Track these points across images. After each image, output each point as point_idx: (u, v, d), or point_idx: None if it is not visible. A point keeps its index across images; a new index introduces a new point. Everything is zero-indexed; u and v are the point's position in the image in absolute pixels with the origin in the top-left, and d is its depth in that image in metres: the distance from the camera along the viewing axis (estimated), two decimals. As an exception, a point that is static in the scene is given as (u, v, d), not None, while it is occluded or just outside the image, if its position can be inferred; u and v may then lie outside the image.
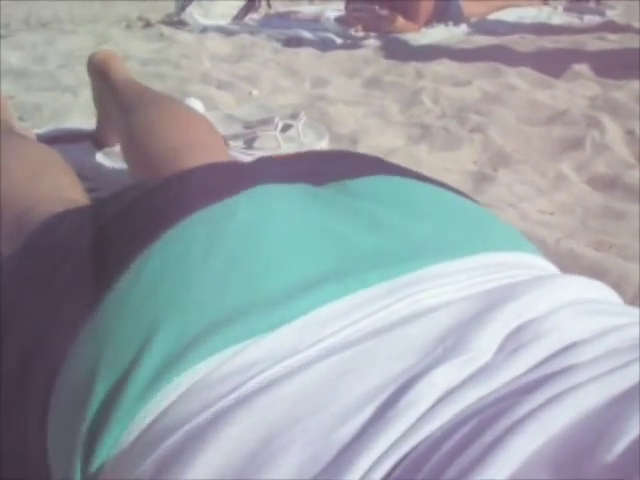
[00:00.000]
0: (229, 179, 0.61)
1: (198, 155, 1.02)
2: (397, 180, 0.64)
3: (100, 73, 1.48)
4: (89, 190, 1.33)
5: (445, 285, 0.48)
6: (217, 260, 0.49)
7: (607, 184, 1.47)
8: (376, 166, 0.68)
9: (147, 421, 0.41)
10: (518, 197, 1.41)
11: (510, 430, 0.33)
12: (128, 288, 0.49)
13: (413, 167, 1.53)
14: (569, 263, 1.09)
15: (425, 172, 1.49)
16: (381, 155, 1.64)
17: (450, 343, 0.41)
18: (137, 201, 0.61)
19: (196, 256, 0.50)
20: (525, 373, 0.39)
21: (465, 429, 0.34)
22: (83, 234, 0.60)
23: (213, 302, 0.46)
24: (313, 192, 0.59)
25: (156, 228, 0.53)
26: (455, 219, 0.59)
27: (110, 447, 0.42)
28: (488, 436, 0.33)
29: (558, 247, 1.15)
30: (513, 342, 0.42)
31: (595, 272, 1.06)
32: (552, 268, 0.60)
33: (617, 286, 1.01)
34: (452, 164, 1.63)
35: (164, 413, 0.41)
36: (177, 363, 0.42)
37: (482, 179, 1.52)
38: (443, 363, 0.39)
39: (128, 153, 1.20)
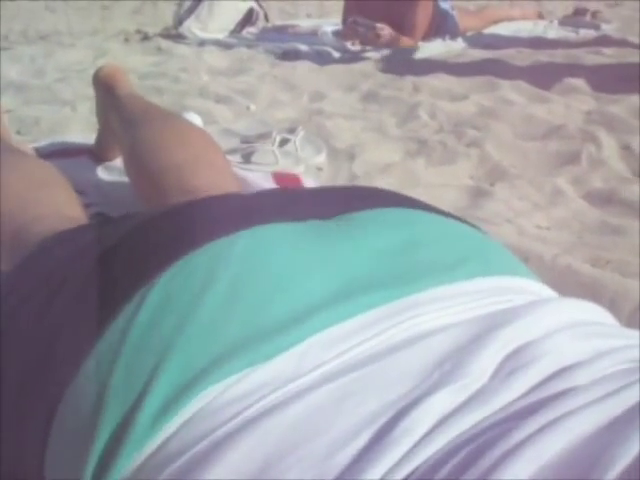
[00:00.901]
0: (235, 215, 0.62)
1: (202, 172, 1.03)
2: (395, 211, 0.65)
3: (106, 87, 1.49)
4: (86, 205, 1.33)
5: (442, 309, 0.48)
6: (218, 292, 0.49)
7: (604, 199, 1.47)
8: (378, 199, 0.69)
9: (151, 450, 0.42)
10: (515, 212, 1.42)
11: (506, 455, 0.33)
12: (132, 318, 0.49)
13: (410, 181, 1.57)
14: (566, 279, 1.09)
15: (422, 187, 1.53)
16: (378, 169, 1.66)
17: (447, 368, 0.42)
18: (142, 228, 0.61)
19: (199, 288, 0.50)
20: (520, 397, 0.39)
21: (461, 455, 0.35)
22: (85, 257, 0.60)
23: (216, 334, 0.46)
24: (315, 225, 0.60)
25: (161, 259, 0.53)
26: (453, 244, 0.60)
27: (119, 475, 0.42)
28: (484, 463, 0.33)
29: (555, 263, 1.15)
30: (509, 366, 0.42)
31: (592, 288, 1.06)
32: (548, 292, 0.60)
33: (614, 302, 1.01)
34: (449, 179, 1.64)
35: (167, 442, 0.42)
36: (183, 396, 0.43)
37: (479, 194, 1.53)
38: (440, 389, 0.40)
39: (131, 168, 1.20)
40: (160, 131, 1.17)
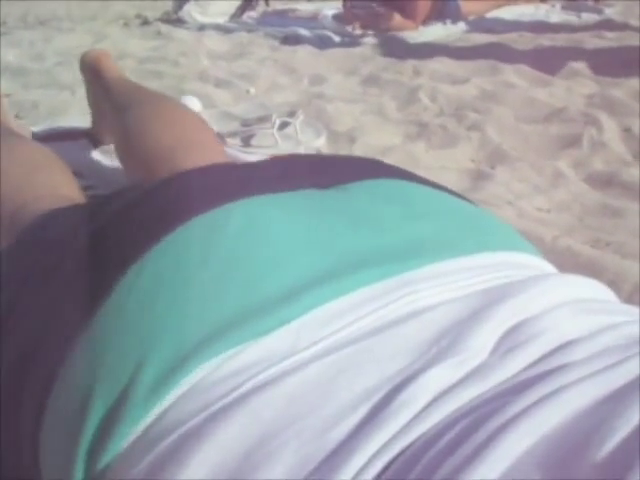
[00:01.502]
0: (227, 184, 0.61)
1: (194, 154, 1.02)
2: (396, 182, 0.64)
3: (93, 72, 1.48)
4: (85, 188, 1.33)
5: (441, 285, 0.48)
6: (214, 266, 0.49)
7: (604, 182, 1.47)
8: (375, 169, 0.68)
9: (145, 425, 0.41)
10: (516, 195, 1.42)
11: (501, 429, 0.33)
12: (125, 295, 0.48)
13: (411, 165, 1.56)
14: (566, 261, 1.09)
15: (422, 170, 1.52)
16: (378, 153, 1.65)
17: (445, 343, 0.41)
18: (133, 204, 0.61)
19: (192, 263, 0.50)
20: (519, 372, 0.39)
21: (457, 428, 0.34)
22: (79, 234, 0.60)
23: (211, 309, 0.46)
24: (310, 196, 0.59)
25: (152, 234, 0.52)
26: (452, 219, 0.59)
27: (114, 452, 0.42)
28: (479, 435, 0.33)
29: (555, 245, 1.15)
30: (508, 342, 0.42)
31: (592, 270, 1.06)
32: (549, 267, 0.60)
33: (613, 283, 1.01)
34: (450, 162, 1.63)
35: (162, 415, 0.41)
36: (177, 371, 0.43)
37: (480, 177, 1.52)
38: (437, 363, 0.39)
39: (122, 152, 1.19)
40: (149, 114, 1.17)
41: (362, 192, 0.60)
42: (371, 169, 0.68)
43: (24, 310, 0.56)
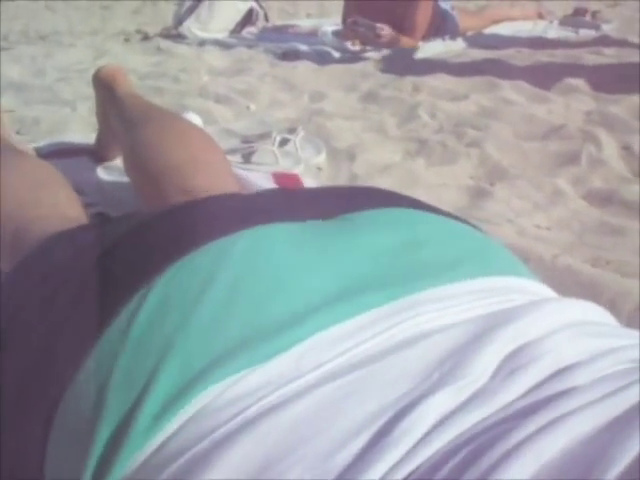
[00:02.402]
0: (234, 214, 0.62)
1: (201, 171, 1.03)
2: (398, 211, 0.65)
3: (106, 87, 1.49)
4: (86, 205, 1.33)
5: (442, 309, 0.48)
6: (218, 292, 0.49)
7: (604, 199, 1.47)
8: (378, 199, 0.69)
9: (151, 450, 0.42)
10: (515, 212, 1.42)
11: (505, 457, 0.33)
12: (131, 318, 0.49)
13: (410, 182, 1.57)
14: (566, 279, 1.09)
15: (422, 187, 1.53)
16: (378, 170, 1.66)
17: (447, 368, 0.42)
18: (143, 229, 0.61)
19: (198, 289, 0.50)
20: (520, 397, 0.39)
21: (460, 456, 0.34)
22: (84, 257, 0.60)
23: (216, 333, 0.46)
24: (315, 225, 0.60)
25: (160, 260, 0.53)
26: (454, 244, 0.60)
27: (118, 476, 0.42)
28: (483, 463, 0.33)
29: (555, 263, 1.15)
30: (509, 366, 0.42)
31: (592, 289, 1.06)
32: (548, 292, 0.60)
33: (614, 303, 1.01)
34: (449, 179, 1.64)
35: (167, 442, 0.41)
36: (183, 396, 0.43)
37: (479, 194, 1.52)
38: (439, 389, 0.40)
39: (131, 168, 1.20)
40: (160, 131, 1.17)
41: (365, 221, 0.61)
42: (372, 199, 0.68)
43: (31, 330, 0.56)
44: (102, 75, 1.53)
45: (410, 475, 0.35)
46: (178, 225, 0.60)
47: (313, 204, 0.67)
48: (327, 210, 0.62)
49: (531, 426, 0.35)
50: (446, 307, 0.49)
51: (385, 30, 3.21)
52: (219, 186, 0.94)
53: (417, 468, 0.35)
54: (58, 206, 0.94)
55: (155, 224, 0.62)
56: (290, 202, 0.68)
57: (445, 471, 0.34)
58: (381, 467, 0.35)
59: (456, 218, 0.67)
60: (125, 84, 1.49)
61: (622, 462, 0.30)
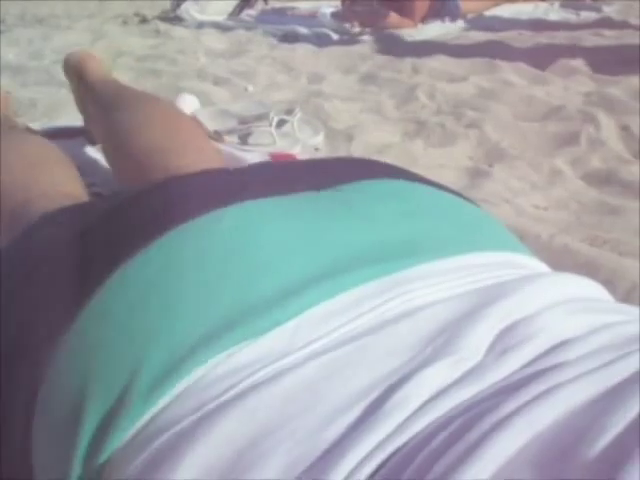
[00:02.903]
0: (220, 189, 0.61)
1: (186, 155, 1.01)
2: (391, 182, 0.64)
3: (76, 74, 1.47)
4: (88, 185, 1.33)
5: (436, 284, 0.48)
6: (208, 267, 0.49)
7: (602, 180, 1.47)
8: (371, 170, 0.68)
9: (140, 425, 0.41)
10: (513, 192, 1.41)
11: (495, 428, 0.33)
12: (115, 295, 0.48)
13: (408, 163, 1.56)
14: (563, 258, 1.09)
15: (420, 168, 1.52)
16: (376, 151, 1.65)
17: (440, 343, 0.41)
18: (125, 205, 0.60)
19: (186, 265, 0.49)
20: (514, 372, 0.39)
21: (451, 428, 0.34)
22: (67, 234, 0.60)
23: (206, 310, 0.46)
24: (305, 198, 0.59)
25: (143, 236, 0.52)
26: (448, 218, 0.59)
27: (110, 451, 0.42)
28: (473, 434, 0.33)
29: (552, 242, 1.15)
30: (503, 342, 0.41)
31: (589, 267, 1.06)
32: (543, 267, 0.60)
33: (611, 281, 1.01)
34: (448, 160, 1.63)
35: (157, 415, 0.41)
36: (174, 372, 0.43)
37: (477, 175, 1.52)
38: (433, 363, 0.39)
39: (110, 154, 1.18)
40: (138, 115, 1.15)
41: (357, 192, 0.60)
42: (366, 170, 0.68)
43: (9, 307, 0.56)
44: (71, 62, 1.50)
45: (402, 447, 0.34)
46: (162, 201, 0.59)
47: (304, 175, 0.67)
48: (319, 181, 0.62)
49: (522, 398, 0.35)
50: (439, 282, 0.48)
51: (383, 10, 3.19)
52: (203, 166, 0.92)
53: (409, 441, 0.35)
54: (60, 185, 0.93)
55: (138, 200, 0.61)
56: (280, 175, 0.67)
57: (435, 443, 0.34)
58: (373, 439, 0.35)
59: (453, 193, 0.67)
60: (97, 69, 1.46)
61: (614, 430, 0.30)
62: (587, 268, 1.05)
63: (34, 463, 0.47)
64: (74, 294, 0.51)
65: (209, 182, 0.64)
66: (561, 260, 1.08)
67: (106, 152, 1.21)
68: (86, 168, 1.46)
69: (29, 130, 1.67)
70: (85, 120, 1.61)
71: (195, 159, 0.99)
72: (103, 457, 0.42)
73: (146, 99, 1.30)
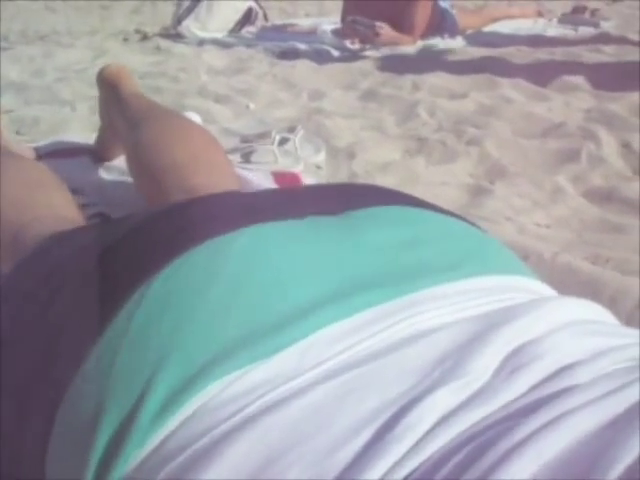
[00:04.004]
0: (235, 212, 0.62)
1: (202, 170, 1.03)
2: (395, 208, 0.64)
3: (110, 86, 1.49)
4: (86, 205, 1.34)
5: (443, 307, 0.48)
6: (219, 288, 0.49)
7: (603, 197, 1.47)
8: (379, 197, 0.69)
9: (151, 447, 0.42)
10: (515, 210, 1.42)
11: (507, 455, 0.33)
12: (133, 315, 0.49)
13: (410, 180, 1.57)
14: (566, 277, 1.09)
15: (422, 185, 1.53)
16: (378, 168, 1.66)
17: (448, 366, 0.41)
18: (143, 227, 0.61)
19: (199, 286, 0.50)
20: (522, 395, 0.39)
21: (462, 454, 0.34)
22: (85, 256, 0.60)
23: (217, 330, 0.46)
24: (315, 222, 0.60)
25: (160, 257, 0.53)
26: (452, 243, 0.60)
27: (121, 472, 0.42)
28: (485, 461, 0.33)
29: (555, 261, 1.15)
30: (510, 364, 0.42)
31: (592, 287, 1.06)
32: (548, 290, 0.60)
33: (614, 300, 1.01)
34: (449, 177, 1.63)
35: (168, 438, 0.41)
36: (185, 392, 0.43)
37: (479, 192, 1.52)
38: (441, 386, 0.39)
39: (134, 168, 1.20)
40: (162, 130, 1.17)
41: (366, 218, 0.61)
42: (373, 196, 0.68)
43: (31, 331, 0.56)
44: (106, 74, 1.53)
45: (412, 473, 0.34)
46: (177, 223, 0.60)
47: (312, 201, 0.67)
48: (326, 207, 0.62)
49: (533, 424, 0.35)
50: (445, 306, 0.48)
51: (384, 28, 3.21)
52: (219, 185, 0.94)
53: (419, 466, 0.35)
54: (55, 208, 0.94)
55: (154, 223, 0.62)
56: (289, 200, 0.68)
57: (447, 469, 0.34)
58: (383, 464, 0.35)
59: (456, 216, 0.67)
60: (129, 83, 1.49)
61: (624, 461, 0.30)
62: (590, 287, 1.05)
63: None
64: (96, 315, 0.51)
65: (223, 205, 0.65)
66: (564, 279, 1.08)
67: (129, 165, 1.23)
68: (88, 187, 1.47)
69: (32, 149, 1.67)
70: (102, 133, 1.62)
71: (212, 177, 1.01)
72: (114, 477, 0.42)
73: (172, 116, 1.32)
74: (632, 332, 0.49)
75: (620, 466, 0.30)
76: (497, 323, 0.45)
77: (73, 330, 0.53)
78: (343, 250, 0.55)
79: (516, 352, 0.43)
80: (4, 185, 0.95)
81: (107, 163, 1.60)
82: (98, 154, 1.64)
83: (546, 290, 0.60)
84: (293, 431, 0.38)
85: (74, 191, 1.13)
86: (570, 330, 0.45)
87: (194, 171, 1.02)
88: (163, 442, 0.41)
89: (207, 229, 0.56)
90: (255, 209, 0.63)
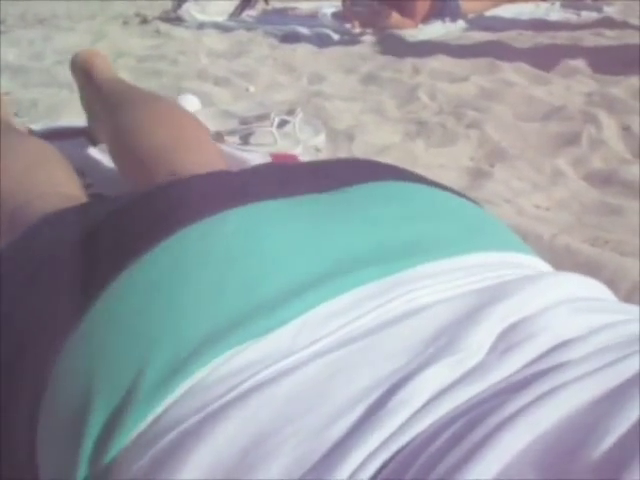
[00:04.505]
0: (224, 191, 0.61)
1: (187, 152, 1.02)
2: (394, 184, 0.64)
3: (84, 72, 1.47)
4: (87, 185, 1.33)
5: (437, 284, 0.48)
6: (211, 268, 0.49)
7: (603, 180, 1.47)
8: (374, 171, 0.68)
9: (144, 426, 0.42)
10: (514, 193, 1.41)
11: (498, 428, 0.33)
12: (121, 296, 0.48)
13: (410, 163, 1.56)
14: (565, 259, 1.09)
15: (422, 168, 1.52)
16: (377, 151, 1.65)
17: (442, 342, 0.41)
18: (130, 207, 0.61)
19: (190, 266, 0.50)
20: (516, 372, 0.39)
21: (454, 427, 0.34)
22: (70, 236, 0.60)
23: (210, 310, 0.46)
24: (308, 200, 0.59)
25: (148, 238, 0.52)
26: (449, 219, 0.59)
27: (116, 451, 0.42)
28: (476, 434, 0.33)
29: (554, 243, 1.15)
30: (505, 341, 0.42)
31: (591, 268, 1.06)
32: (546, 267, 0.60)
33: (612, 282, 1.01)
34: (449, 160, 1.63)
35: (162, 415, 0.41)
36: (179, 372, 0.43)
37: (479, 175, 1.52)
38: (435, 362, 0.39)
39: (115, 153, 1.19)
40: (143, 114, 1.16)
41: (360, 194, 0.60)
42: (369, 171, 0.68)
43: (14, 310, 0.56)
44: (79, 60, 1.51)
45: (404, 447, 0.34)
46: (167, 203, 0.59)
47: (307, 178, 0.67)
48: (321, 184, 0.62)
49: (525, 398, 0.35)
50: (441, 282, 0.48)
51: (384, 10, 3.19)
52: (205, 165, 0.92)
53: (412, 440, 0.35)
54: (58, 186, 0.93)
55: (143, 203, 0.61)
56: (282, 177, 0.67)
57: (438, 443, 0.34)
58: (375, 439, 0.35)
59: (455, 193, 0.67)
60: (104, 68, 1.47)
61: (618, 431, 0.30)
62: (589, 268, 1.05)
63: (39, 463, 0.47)
64: (79, 296, 0.51)
65: (213, 184, 0.64)
66: (563, 260, 1.08)
67: (111, 151, 1.22)
68: (86, 169, 1.46)
69: (27, 131, 1.67)
70: (89, 119, 1.61)
71: (198, 158, 0.99)
72: (108, 457, 0.42)
73: (151, 98, 1.30)
74: (629, 308, 0.48)
75: (613, 436, 0.30)
76: (492, 299, 0.45)
77: (57, 309, 0.52)
78: (336, 228, 0.54)
79: (511, 329, 0.43)
80: (8, 161, 0.94)
81: (102, 145, 1.59)
82: (92, 137, 1.64)
83: (543, 266, 0.59)
84: (285, 408, 0.38)
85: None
86: (566, 307, 0.45)
87: (177, 151, 1.01)
88: (156, 420, 0.41)
89: (198, 209, 0.55)
90: (246, 187, 0.62)
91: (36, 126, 1.80)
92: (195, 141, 1.08)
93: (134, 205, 0.61)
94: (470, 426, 0.34)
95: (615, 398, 0.33)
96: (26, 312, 0.54)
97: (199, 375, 0.42)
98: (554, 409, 0.33)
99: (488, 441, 0.32)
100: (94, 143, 1.61)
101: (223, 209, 0.55)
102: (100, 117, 1.34)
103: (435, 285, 0.48)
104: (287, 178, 0.67)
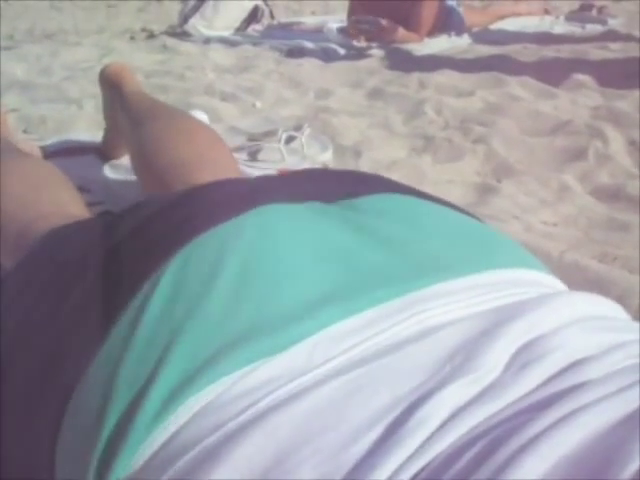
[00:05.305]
0: (238, 197, 0.62)
1: (207, 168, 1.03)
2: (403, 198, 0.64)
3: (112, 85, 1.49)
4: (93, 203, 1.34)
5: (452, 303, 0.48)
6: (226, 281, 0.49)
7: (611, 195, 1.47)
8: (382, 185, 0.69)
9: (159, 442, 0.41)
10: (522, 208, 1.41)
11: (521, 451, 0.33)
12: (139, 312, 0.49)
13: (416, 178, 1.57)
14: (573, 275, 1.09)
15: (428, 183, 1.53)
16: (384, 166, 1.66)
17: (458, 361, 0.41)
18: (147, 221, 0.62)
19: (204, 280, 0.50)
20: (533, 391, 0.39)
21: (476, 448, 0.34)
22: (96, 250, 0.60)
23: (224, 324, 0.46)
24: (320, 210, 0.59)
25: (165, 251, 0.53)
26: (461, 237, 0.60)
27: (124, 468, 0.42)
28: (500, 456, 0.33)
29: (562, 259, 1.15)
30: (521, 359, 0.42)
31: (600, 285, 1.06)
32: (558, 284, 0.60)
33: (621, 298, 1.01)
34: (455, 175, 1.63)
35: (176, 434, 0.41)
36: (190, 385, 0.43)
37: (486, 190, 1.52)
38: (452, 382, 0.39)
39: (139, 166, 1.20)
40: (166, 128, 1.17)
41: (371, 207, 0.60)
42: (379, 184, 0.68)
43: (40, 326, 0.56)
44: (108, 73, 1.53)
45: (423, 469, 0.34)
46: (180, 213, 0.60)
47: (314, 186, 0.67)
48: (331, 192, 0.62)
49: (546, 419, 0.35)
50: (455, 301, 0.48)
51: (389, 25, 3.20)
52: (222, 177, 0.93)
53: (432, 460, 0.35)
54: (61, 206, 0.94)
55: (160, 215, 0.62)
56: (289, 185, 0.68)
57: (461, 464, 0.34)
58: (395, 460, 0.35)
59: (462, 211, 0.67)
60: (131, 82, 1.49)
61: (639, 459, 0.30)
62: (598, 285, 1.05)
63: (58, 477, 0.47)
64: (105, 312, 0.51)
65: (223, 191, 0.65)
66: (571, 277, 1.08)
67: (134, 163, 1.23)
68: (95, 186, 1.47)
69: (39, 149, 1.68)
70: (107, 132, 1.62)
71: (216, 174, 1.00)
72: (116, 474, 0.42)
73: (174, 113, 1.32)
74: None
75: (637, 462, 0.30)
76: (507, 318, 0.45)
77: (83, 326, 0.53)
78: (350, 242, 0.54)
79: (526, 347, 0.43)
80: (10, 182, 0.95)
81: (114, 161, 1.60)
82: (105, 152, 1.64)
83: (556, 284, 0.60)
84: (304, 427, 0.38)
85: (81, 189, 1.14)
86: (580, 325, 0.45)
87: (199, 169, 1.02)
88: (171, 438, 0.41)
89: (211, 216, 0.56)
90: (257, 192, 0.62)
91: (46, 142, 1.81)
92: (215, 158, 1.09)
93: (151, 219, 0.62)
94: (492, 448, 0.34)
95: (633, 424, 0.33)
96: (57, 325, 0.55)
97: (214, 392, 0.42)
98: (575, 432, 0.34)
99: (511, 463, 0.32)
100: (104, 159, 1.62)
101: (236, 214, 0.55)
102: (124, 130, 1.36)
103: (450, 304, 0.48)
104: (297, 186, 0.67)
